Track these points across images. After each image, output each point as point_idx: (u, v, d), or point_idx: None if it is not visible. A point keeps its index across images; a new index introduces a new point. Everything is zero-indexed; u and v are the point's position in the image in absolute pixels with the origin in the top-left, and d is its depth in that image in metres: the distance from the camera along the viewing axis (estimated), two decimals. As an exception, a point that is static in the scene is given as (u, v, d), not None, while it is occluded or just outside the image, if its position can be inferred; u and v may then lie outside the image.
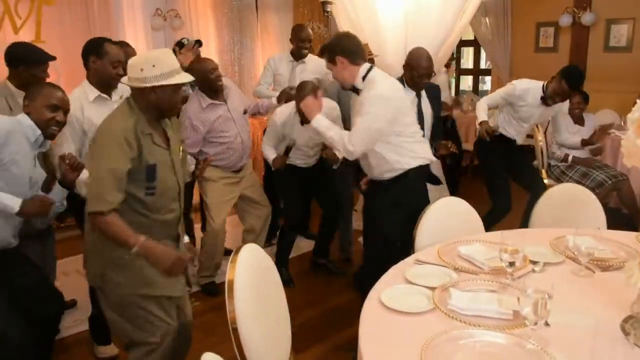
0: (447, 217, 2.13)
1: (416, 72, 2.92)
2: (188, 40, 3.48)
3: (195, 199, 3.91)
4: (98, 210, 1.74)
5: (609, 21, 5.29)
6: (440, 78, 4.77)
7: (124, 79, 1.88)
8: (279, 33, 5.77)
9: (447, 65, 5.15)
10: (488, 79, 6.91)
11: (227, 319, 1.42)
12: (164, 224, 1.91)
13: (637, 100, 1.28)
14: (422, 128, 3.15)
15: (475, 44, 6.62)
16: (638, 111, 1.28)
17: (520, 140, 3.61)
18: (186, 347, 2.13)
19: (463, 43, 6.65)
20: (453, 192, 4.05)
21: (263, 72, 3.97)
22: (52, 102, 2.07)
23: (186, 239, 2.12)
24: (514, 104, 3.45)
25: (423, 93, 3.15)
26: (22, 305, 2.05)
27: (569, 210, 2.30)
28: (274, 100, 3.43)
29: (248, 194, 3.24)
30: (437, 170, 3.37)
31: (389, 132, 2.28)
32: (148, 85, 1.77)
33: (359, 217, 4.14)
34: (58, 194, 2.18)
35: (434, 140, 3.12)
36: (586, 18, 5.33)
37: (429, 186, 2.64)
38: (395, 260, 1.83)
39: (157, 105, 1.83)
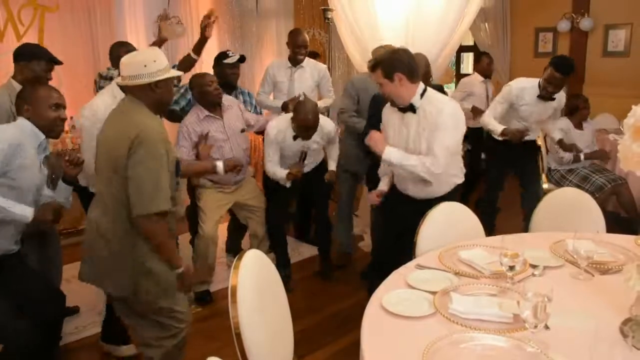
0: (447, 222, 2.14)
1: None
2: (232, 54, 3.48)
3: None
4: (162, 210, 1.76)
5: (607, 26, 5.33)
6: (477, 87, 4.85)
7: (118, 80, 1.92)
8: (279, 39, 5.81)
9: (488, 76, 5.13)
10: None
11: (229, 325, 1.44)
12: (173, 217, 1.96)
13: (633, 106, 1.30)
14: None
15: (474, 49, 6.65)
16: (633, 117, 1.30)
17: (532, 136, 3.63)
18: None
19: (462, 49, 6.69)
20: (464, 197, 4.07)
21: (262, 80, 3.95)
22: (54, 101, 2.10)
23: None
24: (514, 104, 3.48)
25: None
26: (22, 310, 2.06)
27: (568, 214, 2.31)
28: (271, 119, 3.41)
29: (249, 202, 3.24)
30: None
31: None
32: (155, 80, 1.81)
33: (360, 222, 4.17)
34: (63, 191, 2.20)
35: None
36: (584, 23, 5.38)
37: None
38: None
39: (161, 100, 1.88)
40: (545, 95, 3.39)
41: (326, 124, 3.24)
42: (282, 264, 3.36)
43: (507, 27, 6.10)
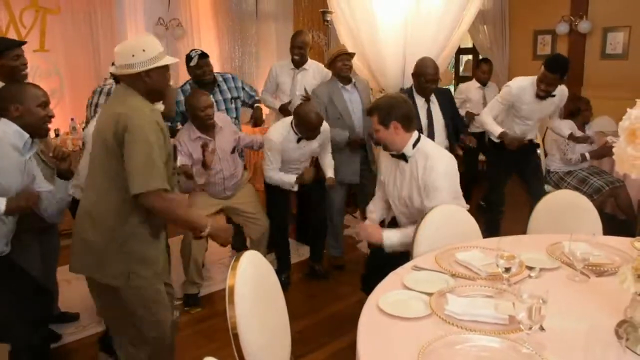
0: (445, 224, 2.15)
1: (423, 78, 3.15)
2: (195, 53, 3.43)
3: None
4: (160, 187, 1.75)
5: (606, 29, 5.35)
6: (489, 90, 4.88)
7: (112, 69, 1.93)
8: (279, 42, 5.83)
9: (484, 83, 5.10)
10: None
11: (227, 325, 1.44)
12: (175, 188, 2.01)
13: (628, 109, 1.31)
14: (433, 132, 3.23)
15: (473, 51, 6.67)
16: (629, 119, 1.30)
17: (531, 135, 3.63)
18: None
19: (461, 51, 6.71)
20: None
21: (266, 79, 3.98)
22: (42, 99, 2.12)
23: None
24: (514, 104, 3.48)
25: (433, 98, 3.28)
26: (13, 310, 2.06)
27: (566, 216, 2.31)
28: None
29: (242, 207, 3.23)
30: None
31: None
32: (142, 69, 1.81)
33: (358, 223, 4.17)
34: (60, 186, 2.22)
35: (451, 139, 3.30)
36: (583, 26, 5.39)
37: None
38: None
39: (152, 89, 1.88)
40: (540, 94, 3.39)
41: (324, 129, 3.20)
42: (284, 268, 3.36)
43: (505, 30, 6.12)
